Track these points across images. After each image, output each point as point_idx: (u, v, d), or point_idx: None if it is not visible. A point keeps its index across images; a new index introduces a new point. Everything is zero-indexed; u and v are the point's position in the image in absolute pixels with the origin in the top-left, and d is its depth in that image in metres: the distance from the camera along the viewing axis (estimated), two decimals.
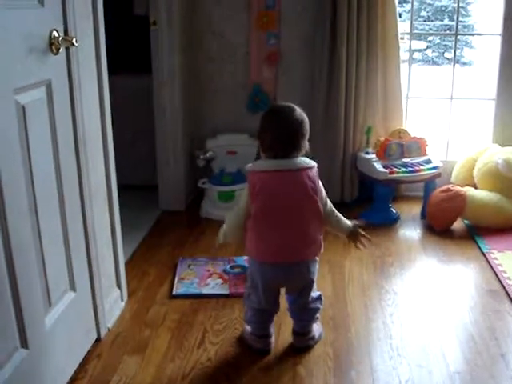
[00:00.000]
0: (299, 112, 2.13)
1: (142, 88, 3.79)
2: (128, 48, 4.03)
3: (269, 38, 3.81)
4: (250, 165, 2.16)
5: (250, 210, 2.11)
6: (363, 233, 2.27)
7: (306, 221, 2.13)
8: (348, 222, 2.28)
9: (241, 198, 2.17)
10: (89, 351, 2.24)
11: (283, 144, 2.09)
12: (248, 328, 2.34)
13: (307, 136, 2.14)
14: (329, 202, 2.24)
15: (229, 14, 3.82)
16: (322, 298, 2.34)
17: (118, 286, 2.57)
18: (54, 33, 1.84)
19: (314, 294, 2.29)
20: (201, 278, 2.83)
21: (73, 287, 2.09)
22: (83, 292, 2.18)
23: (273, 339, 2.31)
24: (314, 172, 2.15)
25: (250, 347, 2.29)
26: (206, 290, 2.72)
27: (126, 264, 2.78)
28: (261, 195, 2.07)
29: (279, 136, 2.10)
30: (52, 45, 1.84)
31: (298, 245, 2.14)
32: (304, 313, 2.29)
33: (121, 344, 2.32)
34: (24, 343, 1.75)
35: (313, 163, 2.15)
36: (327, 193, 2.23)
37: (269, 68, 3.87)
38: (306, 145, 2.15)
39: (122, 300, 2.60)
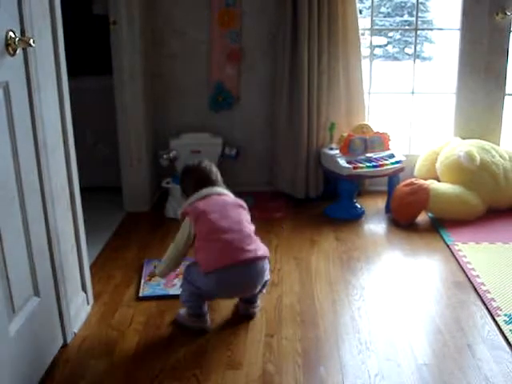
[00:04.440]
0: (204, 161, 2.56)
1: (103, 88, 3.74)
2: (88, 48, 3.97)
3: (230, 35, 3.80)
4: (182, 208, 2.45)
5: (191, 241, 2.37)
6: None
7: (246, 225, 2.38)
8: None
9: (180, 236, 2.40)
10: (55, 357, 2.20)
11: (204, 182, 2.46)
12: (183, 311, 2.43)
13: (218, 174, 2.54)
14: None
15: (190, 12, 3.80)
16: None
17: (84, 289, 2.54)
18: (10, 33, 1.81)
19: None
20: (167, 278, 2.80)
21: (37, 292, 2.05)
22: (48, 297, 2.14)
23: (209, 317, 2.43)
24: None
25: (188, 328, 2.39)
26: (172, 291, 2.70)
27: (91, 267, 2.75)
28: (203, 215, 2.32)
29: (199, 176, 2.48)
30: (8, 46, 1.80)
31: (248, 243, 2.32)
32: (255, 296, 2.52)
33: (88, 348, 2.29)
34: None
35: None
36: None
37: (231, 66, 3.86)
38: (221, 181, 2.53)
39: (87, 303, 2.56)
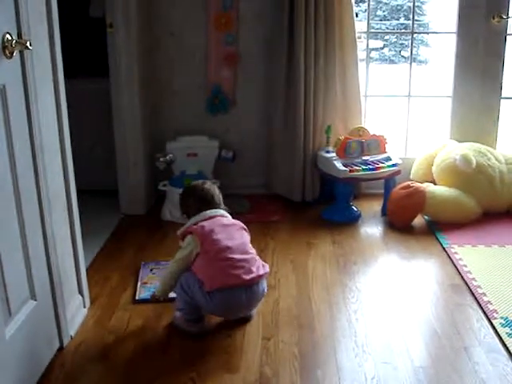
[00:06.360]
0: (208, 183, 2.59)
1: (100, 91, 3.73)
2: (85, 51, 3.97)
3: (227, 38, 3.80)
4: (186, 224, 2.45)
5: (193, 259, 2.37)
6: None
7: (250, 247, 2.43)
8: None
9: (182, 254, 2.40)
10: (51, 361, 2.20)
11: (208, 203, 2.48)
12: (179, 314, 2.43)
13: (220, 196, 2.56)
14: None
15: (187, 15, 3.80)
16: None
17: (80, 292, 2.53)
18: (7, 36, 1.80)
19: None
20: None
21: (33, 296, 2.05)
22: (44, 300, 2.14)
23: (206, 320, 2.43)
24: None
25: (186, 332, 2.38)
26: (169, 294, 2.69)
27: (88, 270, 2.74)
28: (210, 235, 2.33)
29: (204, 197, 2.49)
30: (5, 48, 1.80)
31: (253, 264, 2.36)
32: None
33: (84, 352, 2.28)
34: None
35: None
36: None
37: (227, 69, 3.86)
38: (222, 202, 2.56)
39: (84, 307, 2.56)
